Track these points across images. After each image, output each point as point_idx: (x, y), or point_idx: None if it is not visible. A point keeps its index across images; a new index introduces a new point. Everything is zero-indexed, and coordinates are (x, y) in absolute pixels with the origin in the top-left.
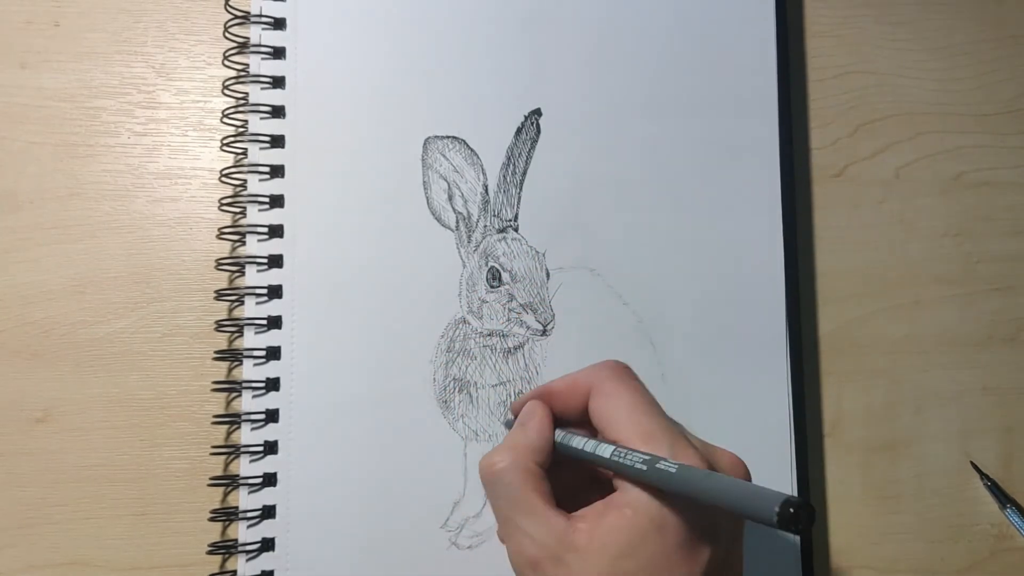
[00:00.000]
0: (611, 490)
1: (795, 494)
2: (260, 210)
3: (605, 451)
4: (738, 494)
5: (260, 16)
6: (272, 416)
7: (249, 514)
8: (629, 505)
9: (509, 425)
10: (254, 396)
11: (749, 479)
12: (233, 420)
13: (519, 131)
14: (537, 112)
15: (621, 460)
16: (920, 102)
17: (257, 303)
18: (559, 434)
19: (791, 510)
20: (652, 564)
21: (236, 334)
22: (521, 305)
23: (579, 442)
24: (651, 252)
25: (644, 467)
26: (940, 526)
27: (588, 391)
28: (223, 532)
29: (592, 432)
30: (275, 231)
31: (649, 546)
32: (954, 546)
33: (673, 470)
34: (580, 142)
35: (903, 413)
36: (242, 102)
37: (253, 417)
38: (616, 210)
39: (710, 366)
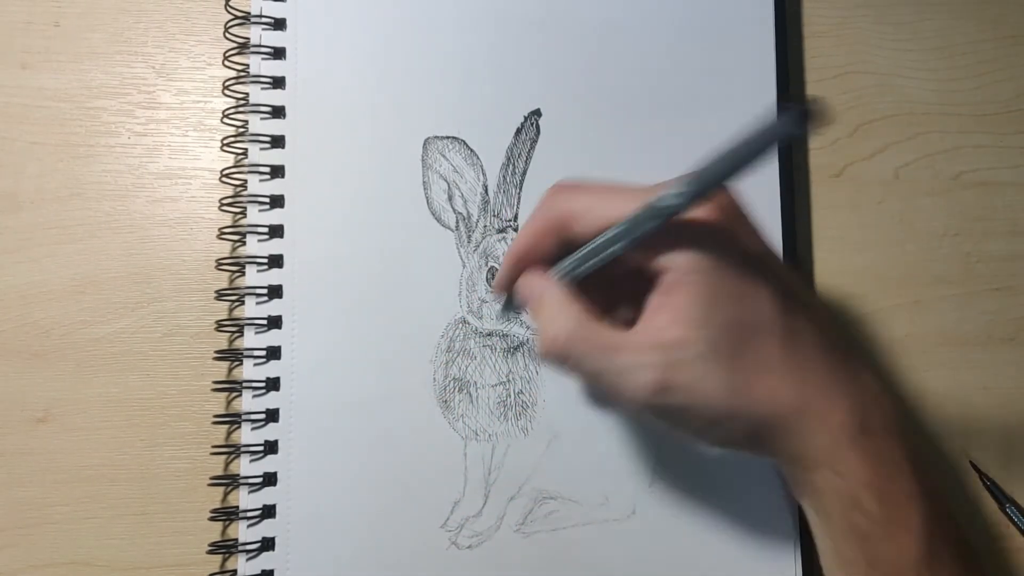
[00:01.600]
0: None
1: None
2: (260, 210)
3: (616, 230)
4: (746, 146)
5: (260, 16)
6: (272, 416)
7: (249, 514)
8: (684, 274)
9: (505, 304)
10: (254, 396)
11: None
12: (233, 420)
13: (519, 131)
14: (537, 112)
15: (631, 225)
16: (920, 102)
17: (257, 303)
18: (565, 267)
19: (796, 111)
20: (738, 297)
21: (236, 334)
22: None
23: (587, 249)
24: None
25: (658, 206)
26: None
27: (557, 224)
28: (223, 532)
29: None
30: (275, 231)
31: (725, 288)
32: None
33: (681, 190)
34: (580, 142)
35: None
36: (242, 102)
37: (253, 417)
38: None
39: None
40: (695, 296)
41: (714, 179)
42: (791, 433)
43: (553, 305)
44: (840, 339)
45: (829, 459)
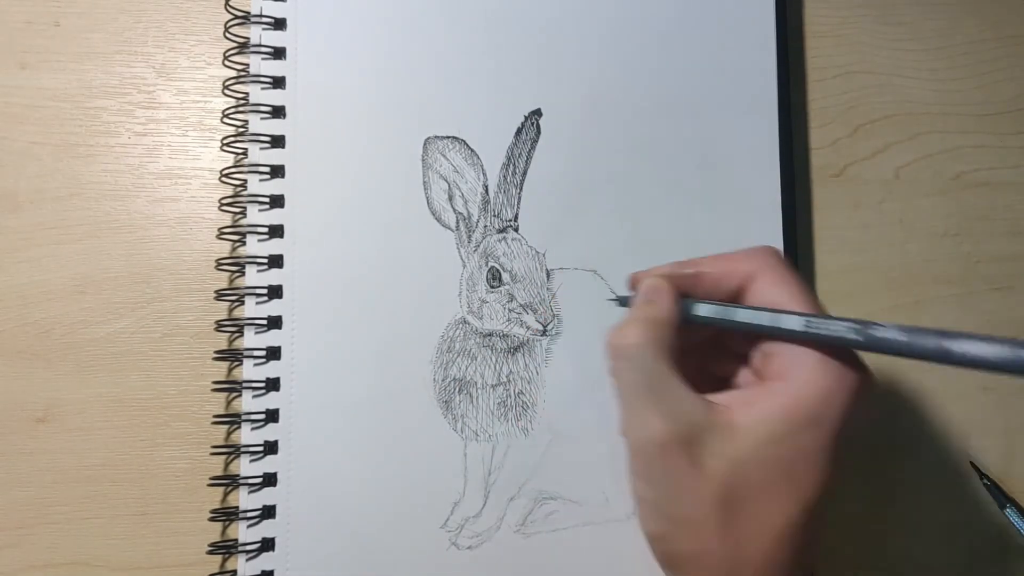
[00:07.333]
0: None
1: None
2: (260, 210)
3: (793, 321)
4: (993, 347)
5: (260, 16)
6: (272, 416)
7: (249, 514)
8: (790, 394)
9: (621, 302)
10: (254, 396)
11: None
12: (233, 420)
13: (519, 131)
14: (537, 112)
15: (818, 330)
16: (920, 102)
17: (257, 303)
18: (711, 303)
19: None
20: (799, 455)
21: (236, 334)
22: (521, 305)
23: (738, 308)
24: (651, 252)
25: (856, 335)
26: (940, 526)
27: (745, 278)
28: (223, 532)
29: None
30: (275, 231)
31: (801, 437)
32: (954, 546)
33: (903, 336)
34: (580, 142)
35: (903, 413)
36: (242, 102)
37: (253, 417)
38: (616, 210)
39: None
40: (774, 417)
41: (896, 349)
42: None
43: (653, 313)
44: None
45: None
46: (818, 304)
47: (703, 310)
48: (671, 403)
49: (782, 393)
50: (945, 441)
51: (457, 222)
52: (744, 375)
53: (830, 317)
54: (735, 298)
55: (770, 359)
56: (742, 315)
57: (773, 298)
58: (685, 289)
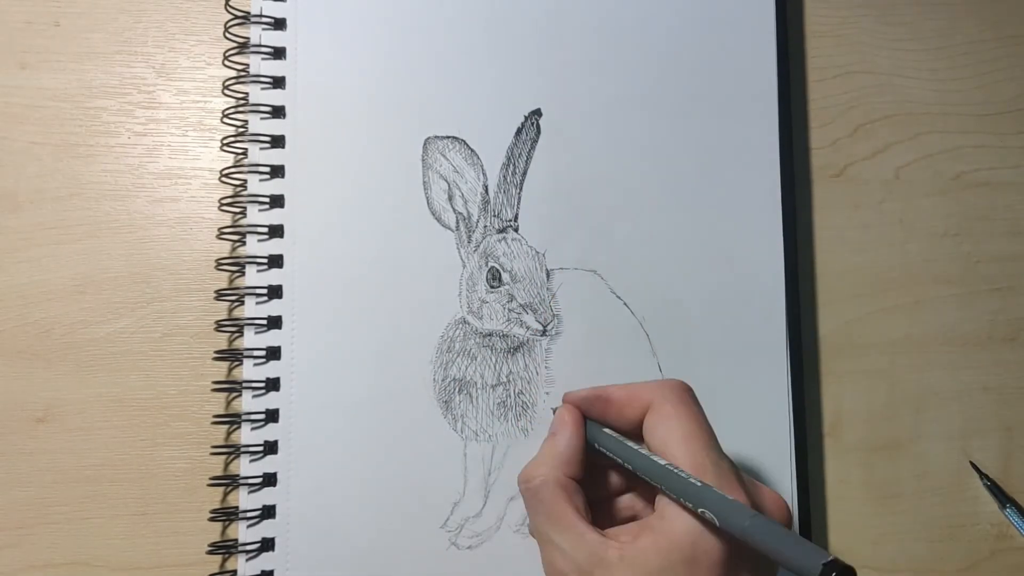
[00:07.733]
0: (644, 503)
1: (795, 494)
2: (260, 210)
3: (658, 463)
4: (781, 542)
5: (260, 16)
6: (272, 416)
7: (249, 514)
8: (664, 532)
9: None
10: (254, 396)
11: (790, 520)
12: (233, 420)
13: (519, 131)
14: (537, 112)
15: (671, 477)
16: (920, 102)
17: (257, 303)
18: (613, 436)
19: (834, 574)
20: None
21: (236, 334)
22: (521, 305)
23: (634, 449)
24: (651, 252)
25: (695, 491)
26: (940, 526)
27: (647, 406)
28: (223, 532)
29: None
30: (275, 231)
31: (679, 575)
32: (954, 546)
33: (720, 505)
34: (580, 142)
35: (903, 413)
36: (242, 102)
37: (253, 417)
38: (616, 210)
39: (710, 366)
40: (652, 554)
41: (751, 539)
42: None
43: (555, 448)
44: None
45: None
46: (708, 443)
47: (602, 439)
48: (569, 538)
49: (658, 531)
50: (945, 441)
51: (457, 222)
52: (648, 504)
53: (679, 475)
54: (637, 427)
55: (657, 493)
56: (626, 451)
57: (660, 433)
58: (597, 413)
